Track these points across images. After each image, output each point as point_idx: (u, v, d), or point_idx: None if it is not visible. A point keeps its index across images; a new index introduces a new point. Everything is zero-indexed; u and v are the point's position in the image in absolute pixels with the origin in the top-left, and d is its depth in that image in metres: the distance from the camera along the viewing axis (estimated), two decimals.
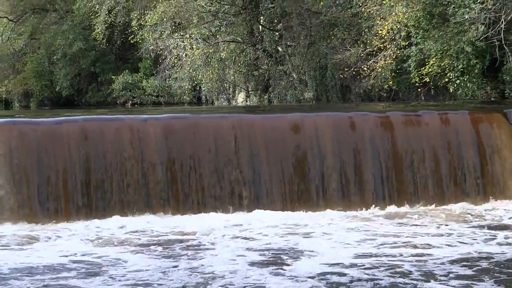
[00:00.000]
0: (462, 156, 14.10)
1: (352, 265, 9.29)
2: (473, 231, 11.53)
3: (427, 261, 9.53)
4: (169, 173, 12.92)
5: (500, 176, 14.17)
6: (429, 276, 8.74)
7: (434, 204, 13.50)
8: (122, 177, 12.69)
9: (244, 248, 10.49)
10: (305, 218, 12.64)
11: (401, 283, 8.43)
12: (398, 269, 9.05)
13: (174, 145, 13.08)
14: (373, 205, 13.38)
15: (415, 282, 8.46)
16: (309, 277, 8.70)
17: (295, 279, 8.64)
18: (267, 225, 12.05)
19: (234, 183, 13.11)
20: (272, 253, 10.07)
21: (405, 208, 13.36)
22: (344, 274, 8.83)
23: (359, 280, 8.56)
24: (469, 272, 8.92)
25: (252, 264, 9.46)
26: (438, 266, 9.22)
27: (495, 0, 23.47)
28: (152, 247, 10.58)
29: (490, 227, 11.84)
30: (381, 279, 8.58)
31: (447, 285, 8.34)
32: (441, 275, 8.75)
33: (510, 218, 12.62)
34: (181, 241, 10.96)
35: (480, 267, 9.17)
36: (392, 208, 13.36)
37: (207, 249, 10.42)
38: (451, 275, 8.77)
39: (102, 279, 8.82)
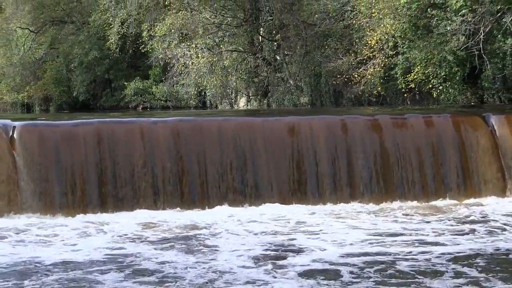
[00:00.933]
0: (444, 156, 14.10)
1: (344, 254, 9.32)
2: (453, 225, 11.55)
3: (411, 252, 9.58)
4: (177, 171, 12.92)
5: (479, 174, 14.16)
6: (408, 261, 8.78)
7: (419, 200, 13.50)
8: (133, 174, 12.69)
9: (246, 238, 10.57)
10: (300, 211, 12.62)
11: (387, 268, 8.46)
12: (383, 257, 9.11)
13: (181, 146, 13.08)
14: (363, 200, 13.37)
15: (400, 269, 8.49)
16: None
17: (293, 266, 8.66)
18: (267, 217, 12.06)
19: (236, 180, 13.11)
20: (272, 242, 10.13)
21: (392, 203, 13.34)
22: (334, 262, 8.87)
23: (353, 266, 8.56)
24: (448, 262, 8.97)
25: (255, 251, 9.55)
26: (419, 256, 9.26)
27: (475, 13, 23.48)
28: (160, 238, 10.59)
29: (469, 221, 11.86)
30: (369, 266, 8.62)
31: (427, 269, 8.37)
32: (420, 263, 8.81)
33: (487, 212, 12.62)
34: (188, 232, 10.96)
35: (460, 257, 9.21)
36: (380, 203, 13.33)
37: (212, 240, 10.42)
38: (431, 264, 8.81)
39: (115, 266, 8.85)
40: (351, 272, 8.49)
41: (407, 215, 12.45)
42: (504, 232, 10.98)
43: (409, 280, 8.09)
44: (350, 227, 11.37)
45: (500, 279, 8.05)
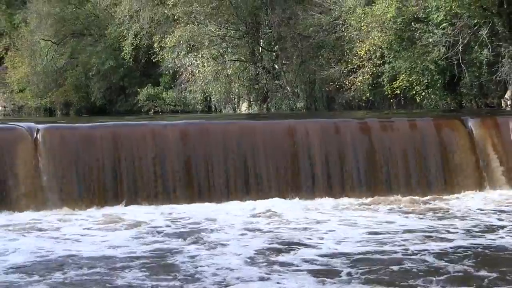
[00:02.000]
0: (427, 155, 14.10)
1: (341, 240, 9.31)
2: (435, 217, 11.57)
3: (395, 239, 9.58)
4: (185, 168, 12.92)
5: (459, 171, 14.16)
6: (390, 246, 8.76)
7: (403, 195, 13.48)
8: (145, 172, 12.69)
9: (248, 228, 10.60)
10: (297, 204, 12.66)
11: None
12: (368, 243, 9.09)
13: (189, 146, 13.08)
14: (353, 195, 13.38)
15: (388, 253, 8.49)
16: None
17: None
18: (268, 210, 12.06)
19: (239, 176, 13.11)
20: (269, 229, 10.13)
21: (379, 198, 13.30)
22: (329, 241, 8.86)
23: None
24: (426, 246, 8.98)
25: (256, 239, 9.55)
26: (399, 242, 9.25)
27: (454, 26, 23.51)
28: (168, 229, 10.60)
29: (450, 214, 11.88)
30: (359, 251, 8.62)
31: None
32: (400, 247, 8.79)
33: (467, 204, 12.67)
34: (195, 225, 10.95)
35: (439, 244, 9.21)
36: (369, 198, 13.32)
37: (217, 231, 10.43)
38: (412, 249, 8.81)
39: (125, 250, 8.84)
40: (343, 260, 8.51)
41: (393, 208, 12.47)
42: (481, 222, 11.06)
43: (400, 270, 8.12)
44: (342, 219, 11.35)
45: (483, 268, 8.08)
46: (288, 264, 8.35)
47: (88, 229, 10.68)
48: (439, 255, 8.68)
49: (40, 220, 11.19)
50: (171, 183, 12.77)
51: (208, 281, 7.67)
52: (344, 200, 13.09)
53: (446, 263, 8.25)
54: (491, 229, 10.48)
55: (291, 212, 11.91)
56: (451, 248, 9.16)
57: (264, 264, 8.37)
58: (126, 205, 12.27)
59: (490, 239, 9.71)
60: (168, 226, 10.88)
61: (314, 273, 7.89)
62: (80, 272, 8.04)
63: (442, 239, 9.72)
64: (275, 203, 12.61)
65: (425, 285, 7.34)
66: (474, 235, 9.98)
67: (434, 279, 7.55)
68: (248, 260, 8.54)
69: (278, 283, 7.53)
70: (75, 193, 12.25)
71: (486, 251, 9.04)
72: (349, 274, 7.84)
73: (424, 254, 8.74)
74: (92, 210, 11.96)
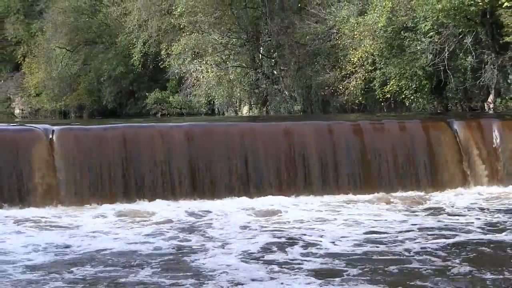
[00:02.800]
0: (415, 154, 14.09)
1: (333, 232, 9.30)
2: (422, 211, 11.60)
3: (384, 231, 9.56)
4: (190, 167, 12.91)
5: (444, 170, 14.15)
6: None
7: (394, 191, 13.47)
8: (153, 170, 12.68)
9: (248, 220, 10.70)
10: (294, 201, 12.63)
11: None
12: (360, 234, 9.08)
13: (193, 146, 13.07)
14: (346, 192, 13.35)
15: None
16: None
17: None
18: (267, 206, 12.05)
19: (241, 175, 13.10)
20: (270, 222, 10.11)
21: (371, 194, 13.29)
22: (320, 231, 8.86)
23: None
24: (414, 238, 8.96)
25: (256, 229, 9.59)
26: (391, 235, 9.25)
27: (440, 35, 23.52)
28: (174, 221, 10.65)
29: (436, 208, 11.88)
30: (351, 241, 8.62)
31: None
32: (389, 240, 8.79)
33: (452, 200, 12.68)
34: (200, 218, 10.96)
35: (423, 236, 9.20)
36: (361, 194, 13.30)
37: (219, 227, 10.43)
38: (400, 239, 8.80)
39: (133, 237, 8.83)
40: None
41: (384, 204, 12.48)
42: (466, 215, 11.14)
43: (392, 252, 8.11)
44: (335, 214, 11.37)
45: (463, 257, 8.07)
46: (288, 257, 8.38)
47: (100, 224, 10.66)
48: (428, 245, 8.73)
49: (54, 215, 11.19)
50: (177, 180, 12.75)
51: (212, 275, 7.66)
52: (338, 197, 13.05)
53: (434, 251, 8.32)
54: (475, 222, 10.49)
55: (289, 209, 11.91)
56: (437, 238, 9.25)
57: (265, 258, 8.40)
58: (135, 201, 12.26)
59: (474, 231, 9.75)
60: (174, 221, 10.87)
61: (315, 266, 7.92)
62: (93, 266, 8.04)
63: (429, 231, 9.77)
64: (274, 200, 12.57)
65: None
66: (460, 228, 9.99)
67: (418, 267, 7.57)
68: (249, 256, 8.54)
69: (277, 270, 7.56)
70: (88, 190, 12.24)
71: (470, 240, 9.14)
72: (347, 268, 7.86)
73: (414, 246, 8.77)
74: (103, 206, 11.93)
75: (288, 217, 11.15)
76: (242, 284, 7.15)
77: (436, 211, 11.68)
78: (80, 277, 7.48)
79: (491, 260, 8.15)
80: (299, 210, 11.76)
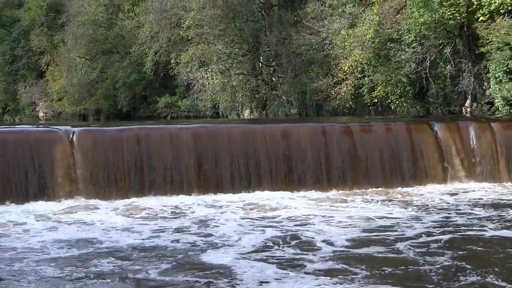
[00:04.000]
0: (400, 153, 14.08)
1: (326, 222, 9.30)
2: (405, 204, 11.58)
3: (373, 219, 9.55)
4: (197, 165, 12.89)
5: (426, 167, 14.15)
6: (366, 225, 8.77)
7: (380, 187, 13.47)
8: (164, 168, 12.67)
9: (248, 214, 10.60)
10: (290, 195, 12.62)
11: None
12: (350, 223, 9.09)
13: (200, 146, 13.06)
14: (338, 187, 13.33)
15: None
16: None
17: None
18: (266, 200, 12.06)
19: (243, 172, 13.09)
20: (268, 215, 10.12)
21: (360, 189, 13.29)
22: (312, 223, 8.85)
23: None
24: (399, 227, 8.95)
25: (256, 220, 9.51)
26: (378, 224, 9.25)
27: (422, 46, 23.56)
28: (183, 215, 10.60)
29: (418, 202, 11.88)
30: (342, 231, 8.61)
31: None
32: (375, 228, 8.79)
33: (433, 195, 12.65)
34: (204, 211, 10.93)
35: (408, 227, 9.18)
36: (351, 189, 13.30)
37: (223, 216, 10.43)
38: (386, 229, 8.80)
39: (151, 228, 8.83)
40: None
41: (370, 196, 12.51)
42: (444, 208, 11.13)
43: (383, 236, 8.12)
44: (328, 207, 11.36)
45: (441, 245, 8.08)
46: (286, 246, 8.38)
47: (114, 216, 10.67)
48: (408, 232, 8.72)
49: (73, 207, 11.18)
50: (185, 177, 12.75)
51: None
52: (331, 192, 13.03)
53: (420, 239, 8.29)
54: (454, 213, 10.49)
55: (286, 202, 11.90)
56: (420, 227, 9.23)
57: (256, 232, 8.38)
58: (146, 196, 12.24)
59: (451, 221, 9.78)
60: (185, 213, 10.87)
61: (314, 251, 7.92)
62: (110, 257, 8.04)
63: (410, 220, 9.78)
64: (272, 195, 12.56)
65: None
66: (438, 219, 9.99)
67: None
68: (249, 244, 8.54)
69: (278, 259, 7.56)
70: (104, 185, 12.22)
71: (449, 228, 9.14)
72: (341, 249, 7.86)
73: (401, 234, 8.77)
74: (118, 200, 11.93)
75: (285, 209, 11.12)
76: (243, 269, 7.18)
77: (417, 203, 11.70)
78: (99, 268, 7.46)
79: (463, 240, 8.30)
80: (295, 203, 11.73)
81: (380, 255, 7.79)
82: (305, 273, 6.99)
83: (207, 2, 31.92)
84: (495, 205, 11.48)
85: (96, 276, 6.97)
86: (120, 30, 43.70)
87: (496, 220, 9.96)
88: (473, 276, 6.77)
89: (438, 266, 7.21)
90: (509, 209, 11.00)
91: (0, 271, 7.20)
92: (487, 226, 9.51)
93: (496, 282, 6.53)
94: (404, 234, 8.91)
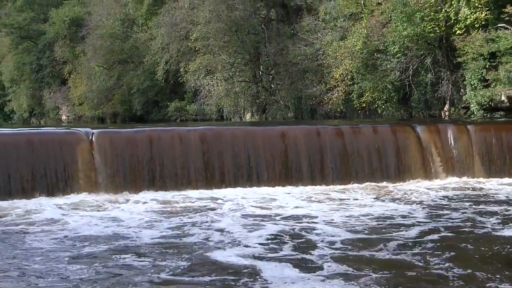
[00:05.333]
0: (386, 153, 14.08)
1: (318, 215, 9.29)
2: (393, 198, 11.57)
3: (362, 209, 9.57)
4: (203, 163, 12.89)
5: (409, 165, 14.15)
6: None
7: (368, 182, 13.48)
8: (174, 165, 12.67)
9: (250, 206, 10.59)
10: (287, 191, 12.62)
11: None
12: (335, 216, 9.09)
13: (206, 146, 13.05)
14: (330, 183, 13.34)
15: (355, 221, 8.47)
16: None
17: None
18: (266, 194, 12.05)
19: (244, 169, 13.09)
20: (267, 207, 10.10)
21: (350, 185, 13.30)
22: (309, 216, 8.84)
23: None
24: (387, 217, 8.96)
25: (254, 213, 9.50)
26: (367, 214, 9.25)
27: (406, 56, 23.57)
28: (189, 208, 10.56)
29: (404, 196, 11.89)
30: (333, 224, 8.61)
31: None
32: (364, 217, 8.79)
33: (416, 190, 12.63)
34: (210, 204, 10.93)
35: (394, 220, 9.17)
36: (341, 185, 13.30)
37: (226, 210, 10.42)
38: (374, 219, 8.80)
39: (155, 225, 8.81)
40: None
41: (359, 191, 12.50)
42: (426, 201, 11.10)
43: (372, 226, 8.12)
44: (322, 200, 11.36)
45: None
46: (284, 234, 8.37)
47: (128, 207, 10.69)
48: (401, 222, 8.72)
49: (93, 201, 11.20)
50: (193, 173, 12.75)
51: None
52: (324, 187, 13.04)
53: (407, 227, 8.30)
54: (434, 205, 10.50)
55: (283, 196, 11.90)
56: (406, 217, 9.23)
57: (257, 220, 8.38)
58: (157, 191, 12.24)
59: (433, 212, 9.77)
60: (191, 204, 10.87)
61: (314, 241, 7.90)
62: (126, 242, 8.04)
63: (394, 212, 9.77)
64: (271, 190, 12.58)
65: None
66: (421, 209, 10.00)
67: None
68: (252, 233, 8.53)
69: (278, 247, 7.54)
70: (120, 181, 12.23)
71: (433, 219, 9.10)
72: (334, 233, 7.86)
73: (388, 222, 8.78)
74: (132, 194, 11.93)
75: (283, 202, 11.12)
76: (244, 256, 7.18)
77: (400, 197, 11.70)
78: (116, 255, 7.47)
79: (441, 226, 8.26)
80: (292, 197, 11.74)
81: (367, 236, 7.79)
82: (308, 254, 7.01)
83: (212, 17, 31.92)
84: (470, 197, 11.56)
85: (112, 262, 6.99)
86: (135, 42, 43.67)
87: (471, 210, 10.10)
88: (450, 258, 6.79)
89: (420, 248, 7.25)
90: (482, 199, 11.11)
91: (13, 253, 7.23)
92: (464, 214, 9.63)
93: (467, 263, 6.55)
94: (392, 222, 8.95)
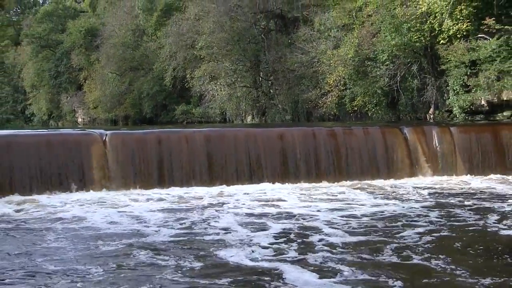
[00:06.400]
0: (376, 153, 14.07)
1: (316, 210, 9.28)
2: (380, 193, 11.54)
3: (353, 203, 9.55)
4: (208, 161, 12.89)
5: (397, 164, 14.13)
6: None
7: (359, 179, 13.46)
8: (180, 164, 12.66)
9: (250, 202, 10.49)
10: (285, 187, 12.60)
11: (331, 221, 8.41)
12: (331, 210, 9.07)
13: (211, 146, 13.05)
14: (325, 180, 13.33)
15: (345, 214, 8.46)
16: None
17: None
18: (265, 190, 12.04)
19: (246, 167, 13.08)
20: (267, 202, 10.09)
21: (343, 182, 13.28)
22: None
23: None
24: (377, 210, 8.93)
25: (255, 207, 9.48)
26: (358, 207, 9.23)
27: (394, 63, 23.56)
28: (195, 203, 10.54)
29: (392, 191, 11.85)
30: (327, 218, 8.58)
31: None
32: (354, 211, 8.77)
33: (403, 186, 12.61)
34: (214, 199, 10.91)
35: (384, 213, 9.15)
36: (336, 181, 13.29)
37: (230, 202, 10.40)
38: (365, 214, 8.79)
39: (165, 215, 8.81)
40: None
41: (350, 187, 12.46)
42: (413, 196, 11.07)
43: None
44: (317, 195, 11.35)
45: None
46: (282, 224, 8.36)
47: (138, 203, 10.65)
48: (392, 214, 8.71)
49: (107, 196, 11.22)
50: (198, 172, 12.74)
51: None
52: (319, 184, 13.03)
53: (395, 218, 8.29)
54: (421, 199, 10.49)
55: (282, 192, 11.88)
56: (395, 209, 9.20)
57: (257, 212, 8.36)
58: (166, 187, 12.24)
59: (420, 204, 9.76)
60: (198, 199, 10.86)
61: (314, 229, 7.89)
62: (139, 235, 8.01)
63: (387, 205, 9.74)
64: (271, 186, 12.58)
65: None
66: (408, 203, 9.99)
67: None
68: (253, 222, 8.51)
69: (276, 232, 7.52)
70: (132, 178, 12.23)
71: (417, 212, 9.10)
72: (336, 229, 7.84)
73: (380, 215, 8.76)
74: (142, 190, 11.94)
75: (282, 197, 11.11)
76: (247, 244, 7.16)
77: (389, 193, 11.67)
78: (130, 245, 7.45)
79: (425, 217, 8.22)
80: (290, 193, 11.72)
81: (357, 227, 7.80)
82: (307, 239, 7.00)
83: (216, 27, 31.93)
84: (453, 193, 11.57)
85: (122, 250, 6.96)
86: (145, 50, 43.69)
87: (455, 204, 10.12)
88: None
89: (409, 231, 7.24)
90: (464, 195, 11.10)
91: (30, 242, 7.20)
92: (447, 208, 9.64)
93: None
94: (382, 213, 8.92)
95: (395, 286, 5.59)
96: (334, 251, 6.84)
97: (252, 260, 6.51)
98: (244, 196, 11.28)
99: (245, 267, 6.24)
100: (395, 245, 7.14)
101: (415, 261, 6.44)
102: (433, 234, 7.74)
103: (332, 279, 5.80)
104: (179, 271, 6.11)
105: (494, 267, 6.17)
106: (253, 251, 6.86)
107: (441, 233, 7.80)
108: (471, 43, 20.47)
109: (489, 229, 8.06)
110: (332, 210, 9.64)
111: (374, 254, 6.72)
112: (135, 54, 44.34)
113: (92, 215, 9.33)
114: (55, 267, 6.31)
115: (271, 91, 32.39)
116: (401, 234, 7.75)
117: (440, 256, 6.58)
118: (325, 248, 7.00)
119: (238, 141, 13.32)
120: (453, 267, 6.18)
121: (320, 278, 5.83)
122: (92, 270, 6.17)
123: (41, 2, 72.44)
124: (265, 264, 6.33)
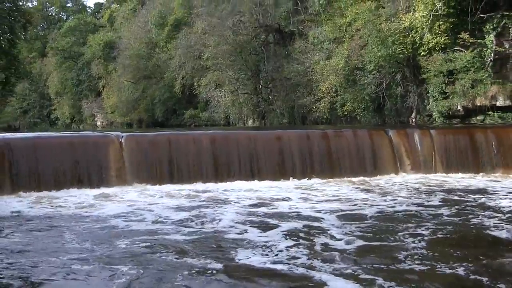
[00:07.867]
0: (363, 152, 14.07)
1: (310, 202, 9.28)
2: (368, 189, 11.52)
3: (343, 197, 9.56)
4: (213, 160, 12.89)
5: (383, 163, 14.13)
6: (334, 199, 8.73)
7: (349, 176, 13.44)
8: (188, 163, 12.67)
9: (251, 196, 10.46)
10: (282, 184, 12.56)
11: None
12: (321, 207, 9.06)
13: (216, 147, 13.06)
14: (318, 177, 13.29)
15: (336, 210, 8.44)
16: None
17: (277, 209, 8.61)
18: (265, 186, 12.03)
19: (247, 165, 13.08)
20: (266, 198, 10.09)
21: (334, 179, 13.24)
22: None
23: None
24: (364, 205, 8.92)
25: (255, 204, 9.48)
26: (349, 200, 9.23)
27: (380, 73, 23.56)
28: (202, 197, 10.55)
29: (378, 187, 11.84)
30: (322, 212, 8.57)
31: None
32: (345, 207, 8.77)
33: (388, 182, 12.58)
34: (218, 195, 10.90)
35: (371, 204, 9.15)
36: (328, 178, 13.24)
37: (233, 199, 10.40)
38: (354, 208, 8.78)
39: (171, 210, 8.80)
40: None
41: (341, 184, 12.43)
42: (394, 191, 11.01)
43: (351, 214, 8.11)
44: (313, 190, 11.34)
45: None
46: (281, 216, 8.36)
47: (151, 197, 10.65)
48: (382, 207, 8.70)
49: (123, 192, 11.21)
50: (205, 170, 12.75)
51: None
52: (314, 180, 13.01)
53: (385, 211, 8.29)
54: (406, 195, 10.48)
55: (280, 188, 11.88)
56: (383, 204, 9.19)
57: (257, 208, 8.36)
58: (175, 183, 12.23)
59: (403, 199, 9.74)
60: (200, 195, 10.84)
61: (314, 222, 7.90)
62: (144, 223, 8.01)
63: (370, 199, 9.74)
64: (270, 183, 12.55)
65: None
66: (392, 198, 9.98)
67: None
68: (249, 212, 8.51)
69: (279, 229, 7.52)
70: (145, 176, 12.24)
71: (396, 205, 9.10)
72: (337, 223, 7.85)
73: (364, 209, 8.76)
74: (155, 186, 11.94)
75: (280, 192, 11.10)
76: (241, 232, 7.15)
77: (376, 188, 11.66)
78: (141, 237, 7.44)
79: (407, 207, 8.23)
80: (287, 189, 11.71)
81: (352, 222, 7.79)
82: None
83: (221, 40, 31.94)
84: (432, 188, 11.58)
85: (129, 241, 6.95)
86: (157, 61, 43.68)
87: (432, 198, 10.13)
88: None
89: (398, 225, 7.24)
90: (442, 191, 11.08)
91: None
92: (426, 200, 9.66)
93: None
94: (370, 207, 8.90)
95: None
96: (335, 239, 6.80)
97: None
98: (246, 193, 11.24)
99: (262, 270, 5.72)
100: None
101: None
102: (412, 221, 7.73)
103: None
104: (201, 272, 5.60)
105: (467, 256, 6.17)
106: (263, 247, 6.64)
107: (420, 221, 7.80)
108: (448, 55, 20.54)
109: (466, 222, 8.04)
110: (328, 201, 9.62)
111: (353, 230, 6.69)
112: (148, 64, 44.34)
113: (111, 209, 9.27)
114: (71, 265, 5.92)
115: (270, 97, 32.40)
116: (383, 221, 7.74)
117: (419, 242, 6.57)
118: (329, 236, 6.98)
119: (240, 142, 13.33)
120: (421, 246, 6.16)
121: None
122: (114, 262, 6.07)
123: (65, 18, 72.43)
124: (279, 266, 5.82)
